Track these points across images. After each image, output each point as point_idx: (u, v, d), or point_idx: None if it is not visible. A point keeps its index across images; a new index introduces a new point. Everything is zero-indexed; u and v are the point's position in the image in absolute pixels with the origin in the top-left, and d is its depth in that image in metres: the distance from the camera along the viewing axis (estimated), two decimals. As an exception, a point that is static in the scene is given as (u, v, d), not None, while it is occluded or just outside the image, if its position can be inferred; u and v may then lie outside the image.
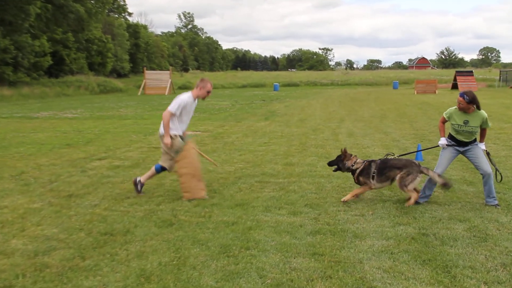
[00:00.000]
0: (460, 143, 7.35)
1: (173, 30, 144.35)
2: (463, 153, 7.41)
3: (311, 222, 6.53)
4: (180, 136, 7.97)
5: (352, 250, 5.49)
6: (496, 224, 6.40)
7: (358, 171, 7.69)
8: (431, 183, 7.43)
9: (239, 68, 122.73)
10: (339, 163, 7.89)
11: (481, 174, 7.29)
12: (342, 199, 7.54)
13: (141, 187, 8.19)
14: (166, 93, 48.54)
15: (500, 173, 7.79)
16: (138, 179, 8.22)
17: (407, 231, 6.14)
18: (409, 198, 7.33)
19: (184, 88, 60.91)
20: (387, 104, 29.75)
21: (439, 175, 7.37)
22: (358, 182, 7.74)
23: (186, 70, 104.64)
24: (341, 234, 6.02)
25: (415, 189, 7.40)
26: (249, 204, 7.46)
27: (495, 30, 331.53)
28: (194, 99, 8.03)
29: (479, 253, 5.41)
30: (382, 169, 7.55)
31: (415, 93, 44.33)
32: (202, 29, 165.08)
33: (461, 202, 7.46)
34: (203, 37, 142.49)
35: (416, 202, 7.38)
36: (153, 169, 8.24)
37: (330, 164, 8.11)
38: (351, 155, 7.90)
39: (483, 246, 5.62)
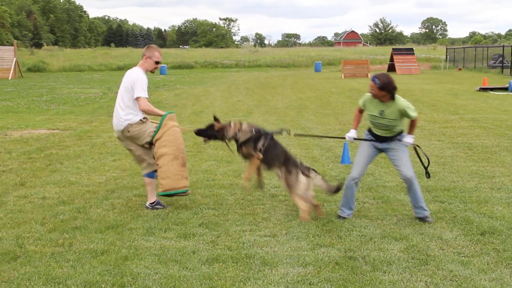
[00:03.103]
0: (378, 138, 7.65)
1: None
2: (383, 151, 7.73)
3: (207, 247, 6.57)
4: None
5: (260, 282, 5.59)
6: (439, 242, 6.76)
7: (240, 140, 7.95)
8: (351, 190, 7.72)
9: (112, 44, 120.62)
10: (210, 132, 8.14)
11: (401, 179, 7.66)
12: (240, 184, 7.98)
13: (159, 203, 8.33)
14: (10, 77, 46.69)
15: (427, 171, 8.04)
16: (147, 204, 8.33)
17: (330, 254, 6.34)
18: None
19: (37, 70, 59.16)
20: (307, 92, 30.58)
21: (324, 180, 7.92)
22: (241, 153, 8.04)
23: (38, 45, 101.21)
24: (246, 262, 6.11)
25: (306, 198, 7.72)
26: (125, 225, 7.39)
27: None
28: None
29: (419, 279, 5.69)
30: (269, 149, 7.89)
31: (343, 77, 45.81)
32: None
33: (397, 216, 7.82)
34: (62, 1, 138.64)
35: (340, 217, 7.68)
36: (146, 180, 8.37)
37: (199, 133, 8.30)
38: (229, 123, 8.10)
39: (423, 270, 5.91)
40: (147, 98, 8.10)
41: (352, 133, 7.81)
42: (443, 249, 6.52)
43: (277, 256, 6.27)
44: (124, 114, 8.08)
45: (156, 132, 8.10)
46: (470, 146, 13.11)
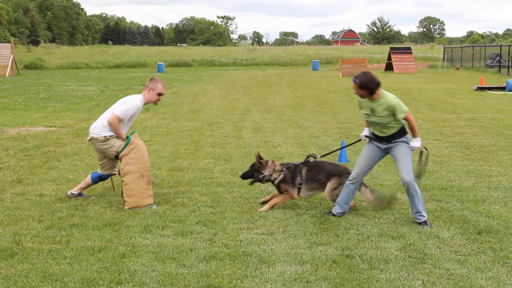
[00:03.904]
0: (379, 139, 7.64)
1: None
2: (388, 152, 7.69)
3: (204, 245, 6.59)
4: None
5: (258, 280, 5.61)
6: (436, 240, 6.78)
7: (277, 180, 8.18)
8: (350, 191, 7.77)
9: (110, 42, 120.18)
10: (254, 173, 8.34)
11: (401, 183, 7.61)
12: (260, 209, 8.02)
13: (79, 195, 8.70)
14: (7, 74, 46.64)
15: (419, 178, 7.98)
16: (69, 192, 8.74)
17: (327, 252, 6.35)
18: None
19: (34, 67, 59.10)
20: (305, 90, 30.60)
21: (372, 191, 8.02)
22: (279, 190, 8.23)
23: (35, 42, 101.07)
24: (243, 259, 6.12)
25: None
26: (122, 223, 7.40)
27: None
28: (144, 104, 8.56)
29: (415, 277, 5.71)
30: (313, 175, 8.10)
31: (340, 75, 45.91)
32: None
33: (394, 215, 7.85)
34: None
35: (331, 214, 7.77)
36: (88, 179, 8.77)
37: (244, 177, 8.53)
38: (267, 162, 8.34)
39: (420, 268, 5.93)
40: (120, 119, 8.24)
41: (365, 131, 7.87)
42: (440, 248, 6.53)
43: (274, 254, 6.28)
44: (101, 126, 8.34)
45: (123, 148, 8.26)
46: (467, 145, 13.14)
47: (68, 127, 16.56)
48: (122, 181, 8.29)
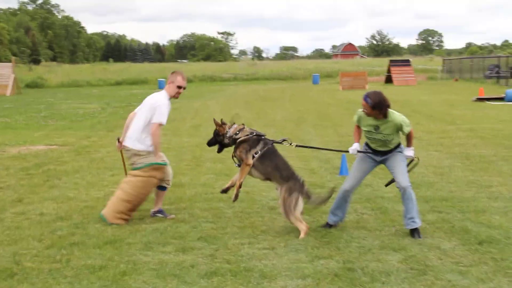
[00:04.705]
0: (377, 152, 7.65)
1: (16, 6, 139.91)
2: (382, 162, 7.72)
3: (206, 261, 6.57)
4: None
5: (259, 295, 5.57)
6: (438, 252, 6.77)
7: (239, 140, 7.85)
8: (343, 200, 7.72)
9: (111, 59, 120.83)
10: (217, 138, 8.05)
11: (397, 187, 7.62)
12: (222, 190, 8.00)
13: (161, 212, 8.58)
14: (8, 94, 46.65)
15: (390, 182, 7.98)
16: (152, 211, 8.62)
17: (328, 266, 6.34)
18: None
19: (35, 86, 59.14)
20: (306, 104, 30.64)
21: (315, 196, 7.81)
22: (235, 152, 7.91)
23: (36, 61, 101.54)
24: (245, 275, 6.10)
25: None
26: (123, 240, 7.37)
27: (437, 8, 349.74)
28: (169, 98, 8.40)
29: (417, 289, 5.69)
30: (267, 155, 7.77)
31: (341, 88, 46.01)
32: (58, 5, 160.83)
33: (396, 227, 7.83)
34: (60, 17, 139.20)
35: (328, 225, 7.74)
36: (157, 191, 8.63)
37: (209, 144, 8.25)
38: (228, 124, 8.09)
39: (422, 280, 5.92)
40: (162, 126, 8.19)
41: (355, 146, 7.74)
42: (442, 259, 6.52)
43: (276, 269, 6.26)
44: (142, 136, 8.20)
45: (141, 167, 8.17)
46: (467, 156, 13.13)
47: (69, 145, 16.55)
48: (118, 188, 8.32)
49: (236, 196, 7.77)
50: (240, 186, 7.79)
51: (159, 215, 8.53)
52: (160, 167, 8.23)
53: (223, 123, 8.06)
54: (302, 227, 7.45)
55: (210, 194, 9.94)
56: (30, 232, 7.82)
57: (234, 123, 8.09)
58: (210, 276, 6.08)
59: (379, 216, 8.34)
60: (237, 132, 7.92)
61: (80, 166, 12.92)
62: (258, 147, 7.77)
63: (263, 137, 7.95)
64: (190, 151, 14.80)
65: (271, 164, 7.77)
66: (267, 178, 7.88)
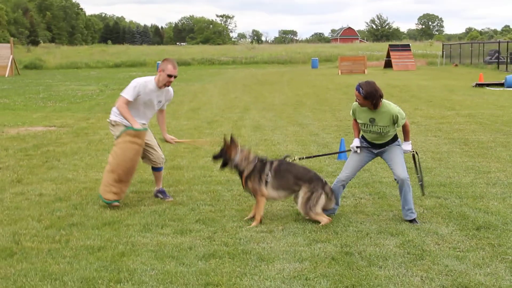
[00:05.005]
0: (373, 145, 7.62)
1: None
2: (378, 155, 7.70)
3: (204, 243, 6.59)
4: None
5: (257, 277, 5.61)
6: (435, 237, 6.79)
7: (246, 172, 7.56)
8: (337, 190, 7.69)
9: (109, 41, 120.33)
10: (224, 156, 7.70)
11: (395, 179, 7.63)
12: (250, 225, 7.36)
13: (162, 192, 8.72)
14: (6, 75, 46.57)
15: (422, 189, 8.11)
16: (154, 190, 8.83)
17: (326, 250, 6.36)
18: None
19: (34, 67, 59.04)
20: (304, 88, 30.58)
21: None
22: (246, 186, 7.63)
23: (35, 43, 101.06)
24: (243, 257, 6.13)
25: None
26: (122, 222, 7.40)
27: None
28: (159, 87, 8.25)
29: (414, 274, 5.71)
30: (281, 173, 7.52)
31: (339, 73, 45.88)
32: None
33: (393, 211, 7.85)
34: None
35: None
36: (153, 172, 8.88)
37: (215, 158, 7.90)
38: (237, 147, 7.67)
39: (418, 265, 5.94)
40: (127, 100, 8.07)
41: (355, 142, 7.67)
42: (439, 244, 6.54)
43: (274, 252, 6.29)
44: (115, 109, 8.34)
45: (118, 135, 8.21)
46: (466, 141, 13.13)
47: (68, 126, 16.56)
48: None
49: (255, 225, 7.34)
50: (260, 222, 7.39)
51: (160, 195, 8.59)
52: (137, 133, 8.06)
53: (233, 142, 7.61)
54: (323, 219, 7.31)
55: (208, 177, 9.94)
56: (29, 212, 7.85)
57: (243, 149, 7.66)
58: (207, 258, 6.10)
59: (377, 201, 8.36)
60: (243, 162, 7.53)
61: (79, 148, 12.92)
62: (267, 169, 7.50)
63: (264, 159, 7.68)
64: (188, 134, 14.80)
65: (291, 175, 7.54)
66: (293, 191, 7.55)
